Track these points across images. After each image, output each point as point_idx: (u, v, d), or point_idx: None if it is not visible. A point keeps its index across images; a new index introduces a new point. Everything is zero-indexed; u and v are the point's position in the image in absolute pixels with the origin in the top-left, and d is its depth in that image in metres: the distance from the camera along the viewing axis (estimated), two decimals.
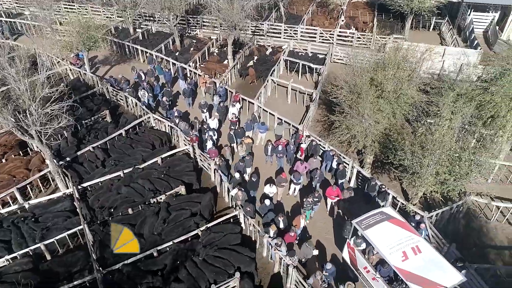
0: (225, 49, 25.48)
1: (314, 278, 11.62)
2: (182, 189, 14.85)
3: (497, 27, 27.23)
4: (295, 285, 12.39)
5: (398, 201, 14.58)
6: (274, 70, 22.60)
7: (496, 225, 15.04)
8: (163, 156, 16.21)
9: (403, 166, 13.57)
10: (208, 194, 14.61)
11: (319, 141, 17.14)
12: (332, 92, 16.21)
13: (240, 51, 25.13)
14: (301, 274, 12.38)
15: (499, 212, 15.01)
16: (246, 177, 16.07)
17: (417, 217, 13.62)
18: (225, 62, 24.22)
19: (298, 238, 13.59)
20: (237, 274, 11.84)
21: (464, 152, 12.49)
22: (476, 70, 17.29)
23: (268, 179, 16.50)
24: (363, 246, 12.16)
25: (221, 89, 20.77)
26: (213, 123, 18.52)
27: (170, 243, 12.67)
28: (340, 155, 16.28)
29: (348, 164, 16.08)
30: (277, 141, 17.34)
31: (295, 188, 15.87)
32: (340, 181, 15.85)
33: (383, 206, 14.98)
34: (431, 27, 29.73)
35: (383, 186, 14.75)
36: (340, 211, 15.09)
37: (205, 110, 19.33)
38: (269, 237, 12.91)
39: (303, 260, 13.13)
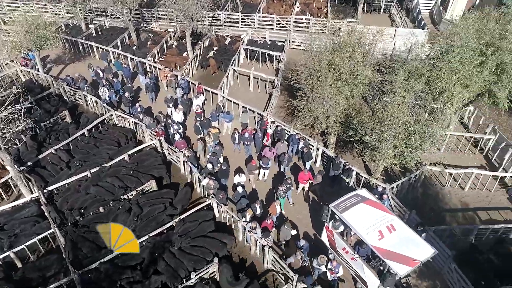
0: (183, 41, 25.26)
1: (295, 257, 12.18)
2: (153, 184, 14.86)
3: (441, 7, 28.92)
4: (272, 264, 12.95)
5: (362, 176, 15.45)
6: (234, 60, 22.77)
7: (450, 190, 16.39)
8: (130, 152, 16.06)
9: (364, 142, 14.39)
10: (186, 188, 14.77)
11: (284, 126, 17.66)
12: (293, 77, 16.72)
13: (199, 42, 25.04)
14: (276, 254, 12.90)
15: (451, 178, 16.35)
16: (216, 168, 16.34)
17: (380, 189, 14.55)
18: (185, 54, 24.07)
19: (274, 225, 13.94)
20: (215, 260, 12.18)
21: (418, 125, 13.45)
22: (424, 49, 18.41)
23: (237, 168, 16.79)
24: (341, 228, 12.72)
25: (183, 82, 20.70)
26: (178, 116, 18.50)
27: (146, 237, 12.76)
28: (305, 138, 16.90)
29: (313, 146, 16.75)
30: (244, 129, 17.66)
31: (264, 173, 16.34)
32: (307, 163, 16.50)
33: (348, 183, 15.88)
34: (382, 10, 31.00)
35: (347, 164, 15.57)
36: (313, 195, 15.73)
37: (171, 105, 19.21)
38: (245, 221, 13.31)
39: (283, 242, 13.63)
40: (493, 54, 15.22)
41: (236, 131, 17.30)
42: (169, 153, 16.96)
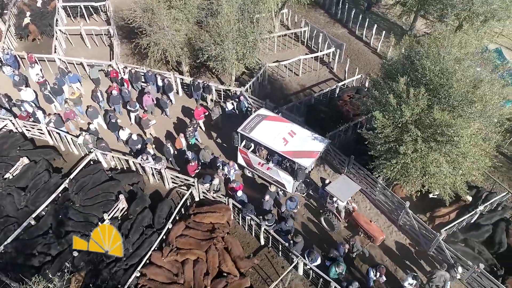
0: None
1: (217, 175, 13.78)
2: (24, 161, 14.22)
3: None
4: (172, 182, 14.57)
5: (220, 88, 17.71)
6: (57, 20, 21.21)
7: (289, 79, 20.18)
8: None
9: (212, 57, 16.34)
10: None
11: (137, 68, 18.21)
12: (127, 17, 17.02)
13: (5, 11, 22.07)
14: (174, 171, 14.46)
15: (287, 69, 20.03)
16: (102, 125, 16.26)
17: (238, 93, 17.11)
18: None
19: (199, 165, 14.72)
20: (121, 196, 13.16)
21: (247, 28, 15.95)
22: None
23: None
24: (252, 146, 14.37)
25: (8, 57, 18.65)
26: (28, 94, 16.90)
27: (43, 207, 12.69)
28: (160, 73, 17.94)
29: (170, 77, 17.97)
30: (110, 88, 17.52)
31: (134, 116, 17.00)
32: (169, 94, 17.77)
33: (212, 99, 17.96)
34: None
35: (205, 82, 17.48)
36: (214, 129, 16.96)
37: (23, 87, 17.15)
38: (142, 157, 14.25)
39: (207, 162, 14.83)
40: None
41: (98, 89, 17.19)
42: (28, 130, 15.97)
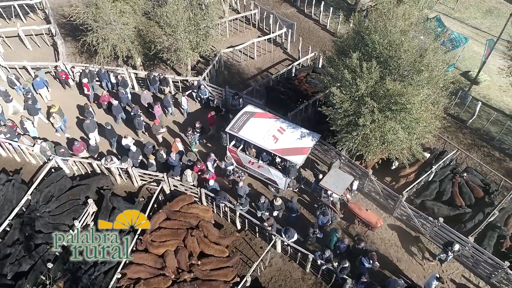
0: None
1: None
2: None
3: None
4: (141, 180, 14.39)
5: (177, 80, 17.46)
6: None
7: (246, 63, 20.30)
8: None
9: (165, 49, 16.01)
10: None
11: (88, 66, 17.37)
12: (70, 14, 16.16)
13: None
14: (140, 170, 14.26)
15: (242, 54, 20.07)
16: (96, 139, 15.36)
17: (196, 83, 16.98)
18: None
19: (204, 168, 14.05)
20: (90, 201, 12.85)
21: (197, 16, 15.72)
22: None
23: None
24: (241, 145, 13.95)
25: None
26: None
27: (7, 222, 12.14)
28: (111, 70, 17.32)
29: (124, 73, 17.34)
30: (101, 98, 16.44)
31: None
32: (125, 90, 17.16)
33: (170, 91, 17.65)
34: None
35: (161, 74, 17.13)
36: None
37: (11, 98, 16.07)
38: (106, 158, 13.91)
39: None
40: None
41: (89, 105, 16.07)
42: None
